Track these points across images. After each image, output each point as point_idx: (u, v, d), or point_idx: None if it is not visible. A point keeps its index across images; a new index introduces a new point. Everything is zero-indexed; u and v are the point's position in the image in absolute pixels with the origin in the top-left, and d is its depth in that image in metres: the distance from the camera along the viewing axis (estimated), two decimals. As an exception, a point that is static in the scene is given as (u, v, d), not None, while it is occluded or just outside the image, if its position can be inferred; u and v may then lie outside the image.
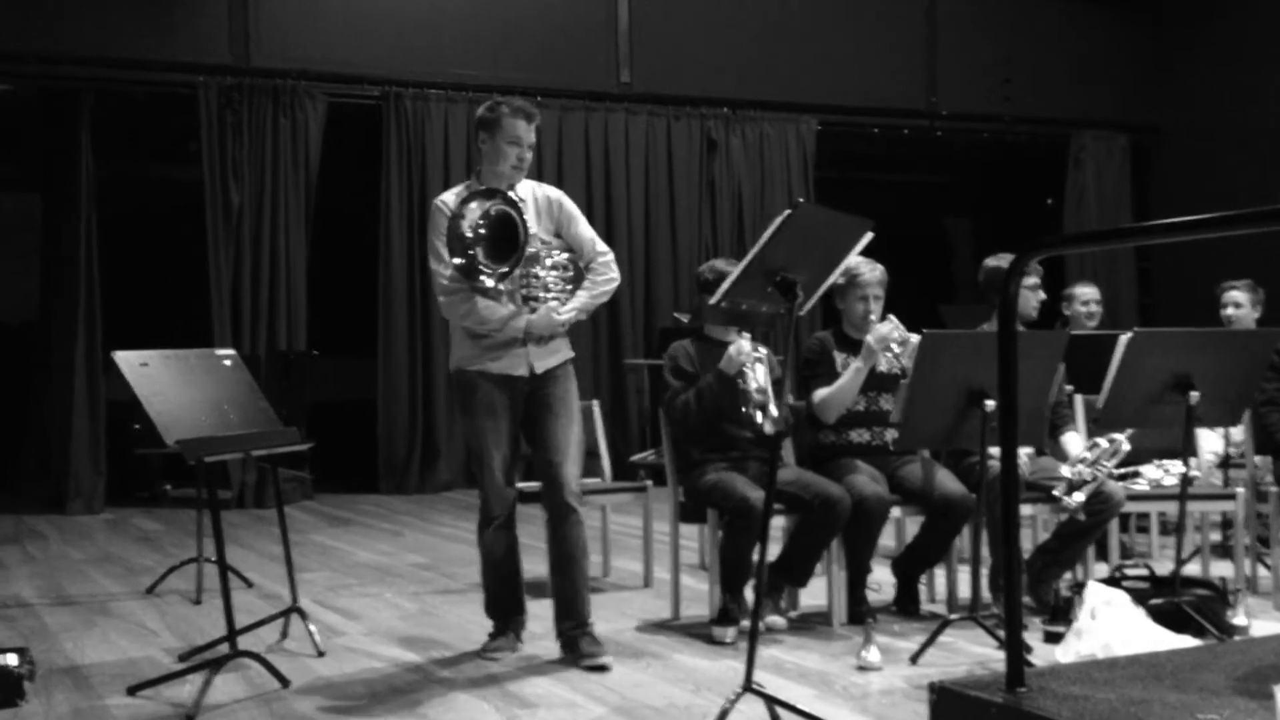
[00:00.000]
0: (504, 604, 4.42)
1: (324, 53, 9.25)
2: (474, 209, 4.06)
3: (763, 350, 4.72)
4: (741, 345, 4.60)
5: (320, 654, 4.41)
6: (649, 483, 5.70)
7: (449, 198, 4.28)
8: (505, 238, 4.07)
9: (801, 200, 3.89)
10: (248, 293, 8.99)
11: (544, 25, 9.70)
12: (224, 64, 8.99)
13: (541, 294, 4.26)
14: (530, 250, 4.18)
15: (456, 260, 4.05)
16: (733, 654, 4.31)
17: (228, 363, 4.39)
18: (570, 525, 4.27)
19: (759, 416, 4.50)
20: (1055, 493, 4.64)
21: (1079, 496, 4.59)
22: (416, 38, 9.52)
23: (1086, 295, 6.94)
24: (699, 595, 5.01)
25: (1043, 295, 5.21)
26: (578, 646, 4.25)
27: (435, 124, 9.56)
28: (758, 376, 4.56)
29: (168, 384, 4.08)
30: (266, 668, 4.02)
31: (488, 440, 4.26)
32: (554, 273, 4.30)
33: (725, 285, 3.69)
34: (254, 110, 9.05)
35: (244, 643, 4.13)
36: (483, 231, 4.04)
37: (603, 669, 4.13)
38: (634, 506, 5.99)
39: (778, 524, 4.75)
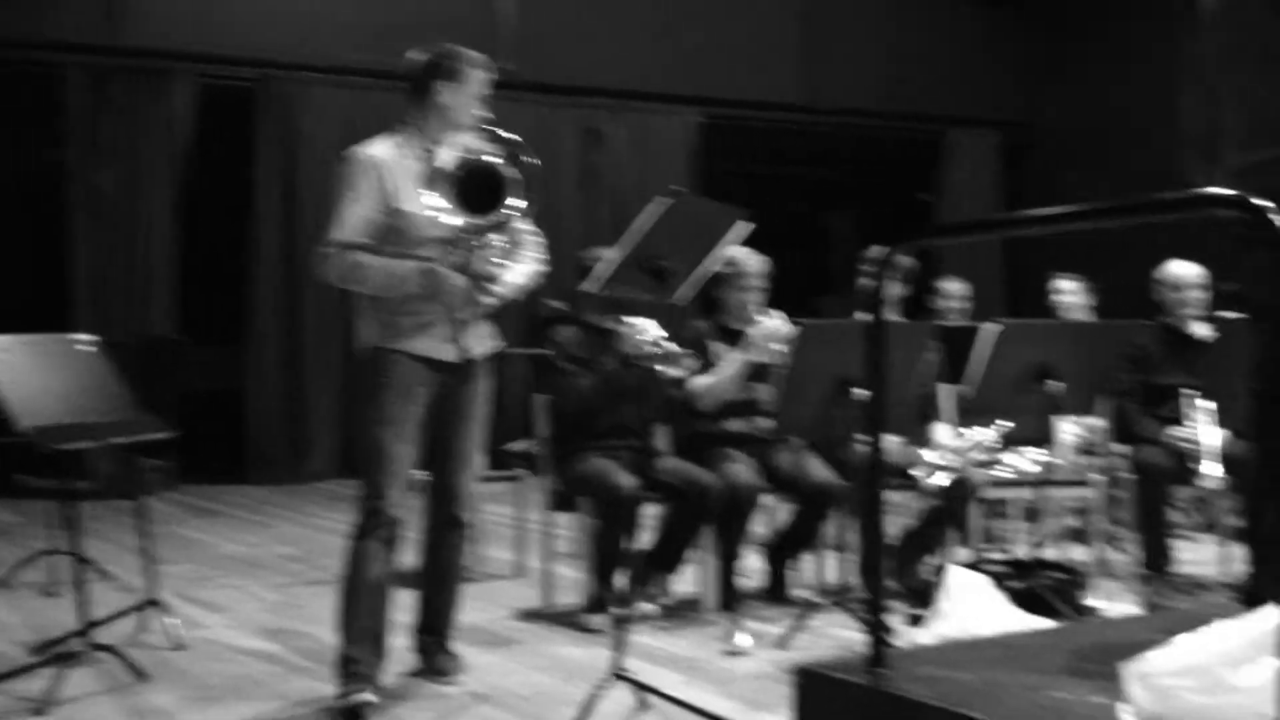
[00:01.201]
0: (367, 637, 3.63)
1: (196, 33, 9.01)
2: (451, 153, 3.56)
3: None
4: (639, 324, 4.57)
5: (179, 647, 4.30)
6: (523, 471, 5.67)
7: (377, 151, 3.66)
8: (481, 192, 3.55)
9: (678, 189, 3.87)
10: (114, 278, 8.73)
11: (425, 9, 9.57)
12: (92, 43, 8.70)
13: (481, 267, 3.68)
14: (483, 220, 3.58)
15: (435, 199, 3.48)
16: (603, 642, 4.31)
17: (87, 349, 4.25)
18: (456, 538, 3.88)
19: (674, 370, 4.35)
20: (918, 475, 4.74)
21: (940, 479, 4.69)
22: (292, 20, 9.34)
23: (955, 290, 7.10)
24: (571, 584, 5.00)
25: (902, 289, 5.32)
26: (435, 661, 3.92)
27: (310, 108, 9.39)
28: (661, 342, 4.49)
29: (22, 370, 3.93)
30: (122, 661, 3.90)
31: (392, 434, 3.61)
32: (495, 246, 3.67)
33: (603, 273, 3.68)
34: (123, 91, 8.78)
35: (101, 637, 4.00)
36: (460, 175, 3.52)
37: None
38: (508, 496, 5.96)
39: (651, 512, 4.76)
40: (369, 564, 3.60)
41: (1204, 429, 4.96)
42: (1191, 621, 2.18)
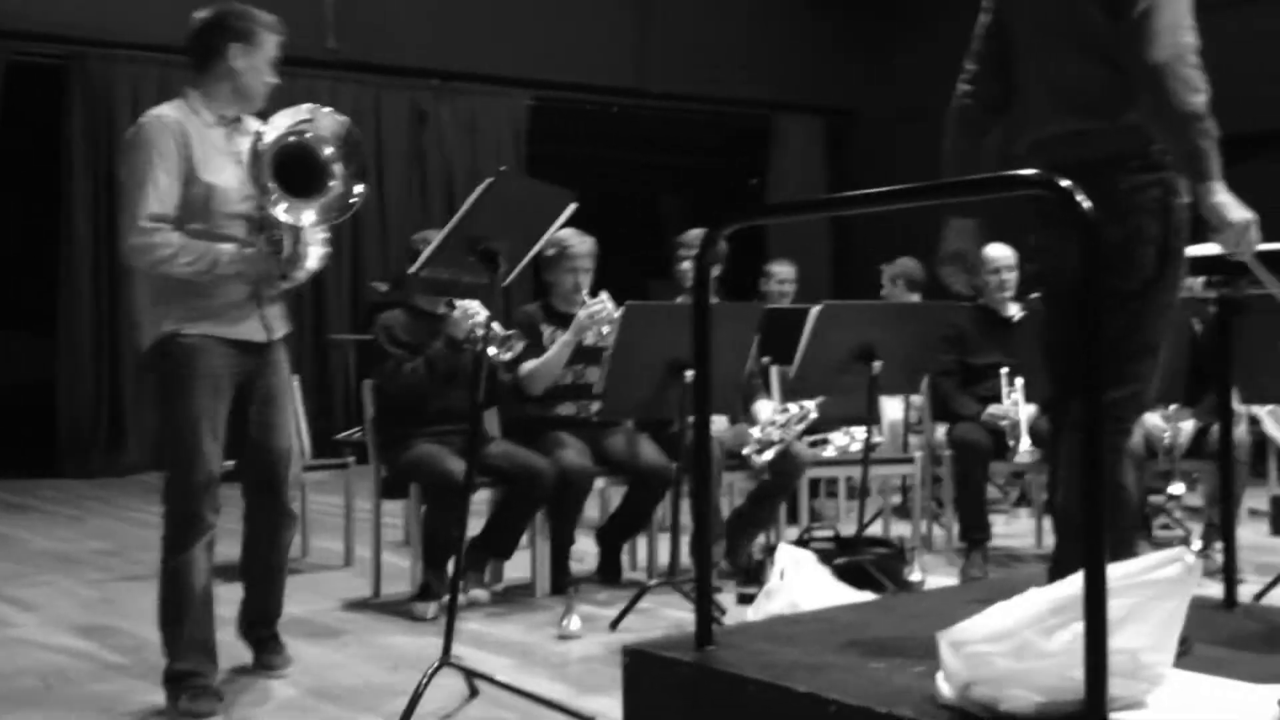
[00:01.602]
0: (198, 648, 3.44)
1: (2, 8, 8.56)
2: (275, 132, 3.31)
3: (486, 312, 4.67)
4: (468, 307, 4.52)
5: (-14, 648, 4.10)
6: (352, 459, 5.57)
7: (176, 115, 3.39)
8: (300, 172, 3.34)
9: (504, 168, 3.82)
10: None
11: (244, -14, 9.28)
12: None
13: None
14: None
15: (263, 187, 3.29)
16: (434, 630, 4.24)
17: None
18: (285, 532, 3.68)
19: (502, 353, 4.30)
20: (744, 452, 4.81)
21: (767, 456, 4.77)
22: (104, -6, 8.95)
23: (783, 273, 7.24)
24: (401, 572, 4.93)
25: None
26: (264, 656, 3.75)
27: (123, 87, 9.02)
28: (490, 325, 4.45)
29: None
30: (-78, 665, 3.70)
31: (205, 430, 3.36)
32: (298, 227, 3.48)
33: (425, 254, 3.61)
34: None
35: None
36: (279, 154, 3.31)
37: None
38: (335, 484, 5.84)
39: (482, 497, 4.72)
40: (192, 577, 3.40)
41: (1017, 406, 5.15)
42: (1004, 591, 2.25)
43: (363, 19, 9.81)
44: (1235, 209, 2.69)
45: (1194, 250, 2.84)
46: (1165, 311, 2.84)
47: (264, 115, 3.49)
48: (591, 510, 5.36)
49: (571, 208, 3.74)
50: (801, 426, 4.93)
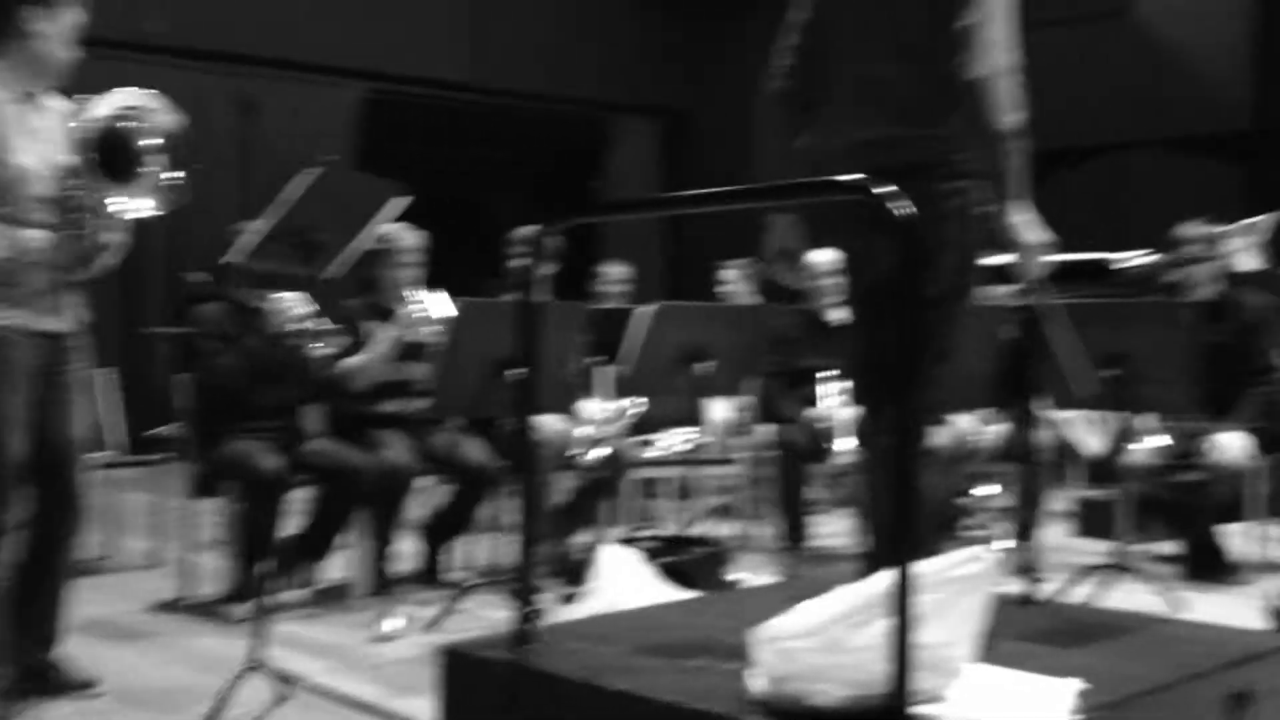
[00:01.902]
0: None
1: None
2: (101, 111, 3.19)
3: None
4: (286, 300, 4.40)
5: None
6: (165, 455, 5.37)
7: None
8: (116, 158, 3.22)
9: (330, 159, 3.73)
10: None
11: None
12: None
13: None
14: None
15: (81, 169, 3.13)
16: (246, 632, 4.12)
17: None
18: (71, 529, 3.43)
19: (323, 347, 4.20)
20: (570, 450, 4.81)
21: (595, 454, 4.78)
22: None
23: (616, 273, 7.25)
24: (213, 573, 4.77)
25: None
26: (51, 679, 3.44)
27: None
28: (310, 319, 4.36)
29: None
30: None
31: (9, 430, 3.21)
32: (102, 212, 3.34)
33: (249, 245, 3.51)
34: None
35: None
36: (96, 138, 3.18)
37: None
38: (146, 481, 5.63)
39: (301, 496, 4.60)
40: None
41: (839, 409, 5.26)
42: (818, 589, 2.29)
43: (189, 3, 9.50)
44: (1034, 229, 2.78)
45: (1003, 259, 2.93)
46: (962, 319, 2.93)
47: (68, 94, 3.33)
48: (415, 509, 5.27)
49: (401, 202, 3.67)
50: (625, 423, 4.95)
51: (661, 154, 12.35)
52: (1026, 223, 2.76)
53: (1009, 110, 2.72)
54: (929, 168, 2.74)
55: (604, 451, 4.84)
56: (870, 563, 2.76)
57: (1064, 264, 2.81)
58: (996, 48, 2.74)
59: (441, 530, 5.03)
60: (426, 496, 5.30)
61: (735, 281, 6.97)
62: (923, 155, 2.78)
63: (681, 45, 12.15)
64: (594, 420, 4.95)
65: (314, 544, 4.66)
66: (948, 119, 2.81)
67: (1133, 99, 8.80)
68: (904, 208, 2.05)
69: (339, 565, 4.79)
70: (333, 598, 4.64)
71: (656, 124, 12.29)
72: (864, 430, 3.14)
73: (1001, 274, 3.07)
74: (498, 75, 11.14)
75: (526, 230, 5.17)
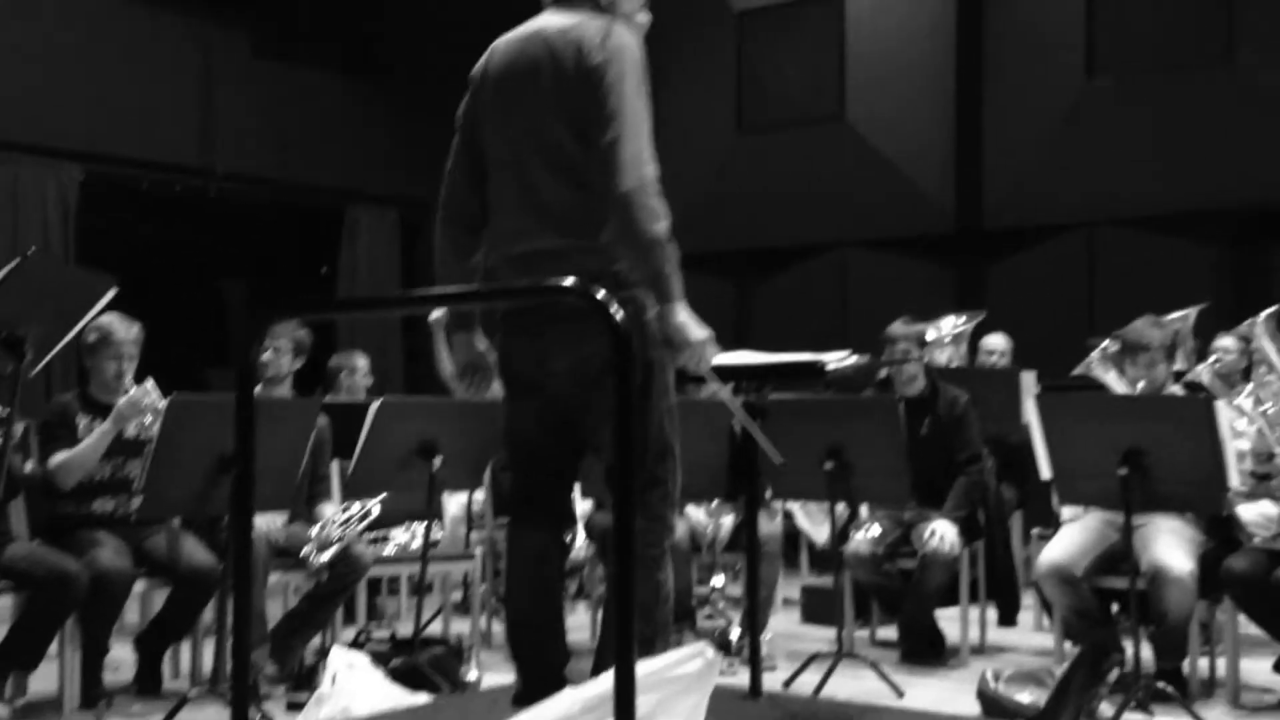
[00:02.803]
0: None
1: None
2: None
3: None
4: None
5: None
6: None
7: None
8: None
9: (35, 249, 3.56)
10: None
11: None
12: None
13: None
14: None
15: None
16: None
17: None
18: None
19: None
20: (302, 553, 4.67)
21: (325, 556, 4.65)
22: None
23: (356, 365, 7.12)
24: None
25: (289, 362, 5.26)
26: None
27: None
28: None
29: None
30: None
31: None
32: None
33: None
34: None
35: None
36: None
37: None
38: None
39: (3, 604, 4.30)
40: None
41: (577, 501, 5.30)
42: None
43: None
44: (694, 328, 2.95)
45: (720, 359, 3.06)
46: (668, 415, 3.06)
47: None
48: (131, 614, 5.00)
49: (110, 293, 3.53)
50: (362, 525, 4.85)
51: (400, 242, 12.27)
52: (688, 323, 2.93)
53: (657, 219, 2.89)
54: (595, 278, 2.85)
55: (337, 553, 4.71)
56: (599, 659, 2.79)
57: (780, 365, 2.95)
58: (640, 161, 2.92)
59: (159, 636, 4.79)
60: (143, 601, 5.04)
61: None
62: (589, 266, 2.92)
63: (423, 133, 12.16)
64: (330, 521, 4.82)
65: (20, 655, 4.35)
66: (601, 231, 2.97)
67: (849, 201, 9.31)
68: (618, 311, 2.11)
69: (47, 676, 4.48)
70: (41, 712, 4.36)
71: (394, 212, 12.22)
72: (591, 524, 3.23)
73: (725, 373, 3.19)
74: (228, 159, 10.88)
75: (250, 321, 5.04)
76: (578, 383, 3.05)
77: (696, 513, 5.48)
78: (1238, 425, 4.33)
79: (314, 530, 4.80)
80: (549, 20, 3.16)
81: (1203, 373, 4.70)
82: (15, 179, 9.77)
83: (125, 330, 4.65)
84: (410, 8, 11.54)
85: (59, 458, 4.51)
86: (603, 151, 2.92)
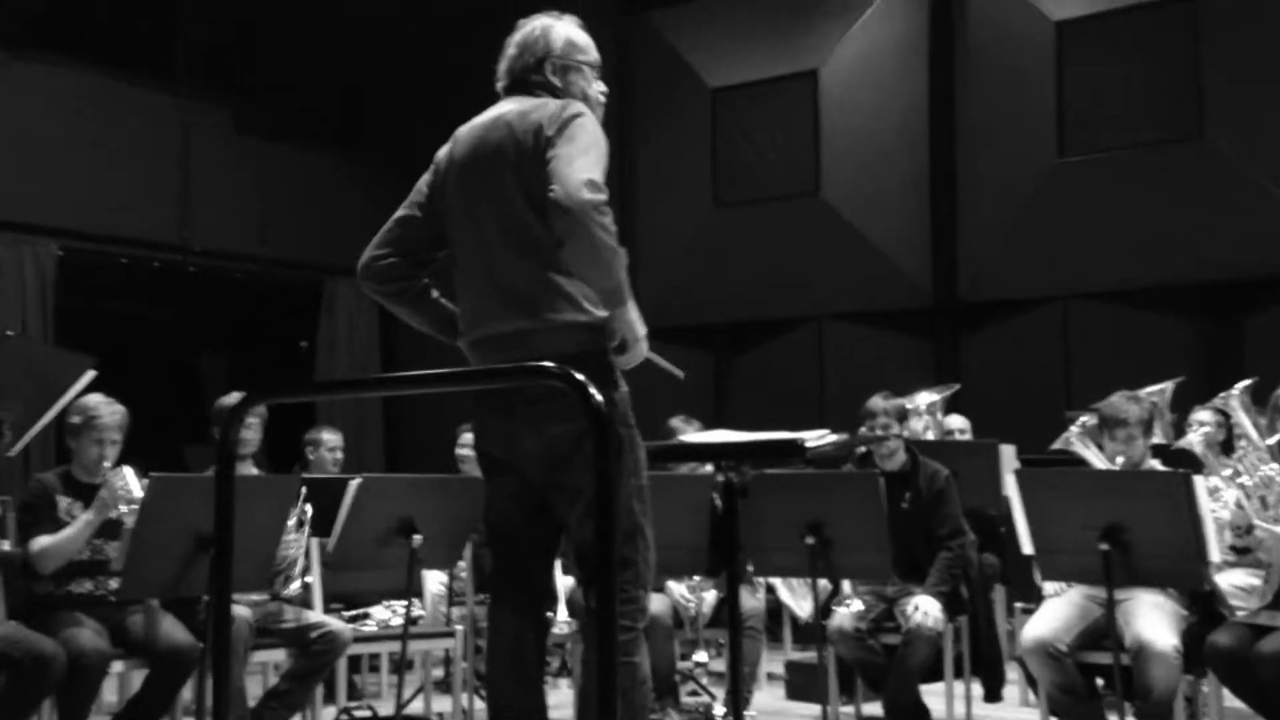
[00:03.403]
0: None
1: None
2: None
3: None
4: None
5: None
6: None
7: None
8: None
9: (12, 333, 3.56)
10: None
11: None
12: None
13: None
14: None
15: None
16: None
17: None
18: None
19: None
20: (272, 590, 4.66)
21: (293, 587, 4.65)
22: None
23: (331, 441, 7.10)
24: None
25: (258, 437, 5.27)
26: None
27: None
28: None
29: None
30: None
31: None
32: None
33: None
34: None
35: None
36: None
37: None
38: None
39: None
40: None
41: (558, 578, 5.27)
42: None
43: None
44: (641, 325, 3.05)
45: (700, 437, 3.08)
46: (637, 494, 3.08)
47: None
48: (110, 694, 4.93)
49: (89, 375, 3.53)
50: (348, 613, 4.83)
51: (379, 317, 12.28)
52: (635, 320, 3.04)
53: (610, 229, 2.95)
54: (565, 359, 2.88)
55: (322, 631, 4.68)
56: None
57: (759, 443, 2.97)
58: (590, 175, 3.01)
59: (138, 717, 4.72)
60: (121, 681, 4.98)
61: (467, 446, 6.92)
62: (558, 347, 2.97)
63: (393, 208, 12.21)
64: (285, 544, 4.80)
65: (-8, 739, 4.29)
66: (564, 310, 3.01)
67: (826, 275, 9.38)
68: (597, 394, 2.12)
69: (18, 763, 4.41)
70: (9, 800, 4.26)
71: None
72: (573, 602, 3.23)
73: (707, 451, 3.21)
74: (205, 236, 10.91)
75: (227, 400, 5.04)
76: (547, 462, 3.08)
77: (678, 588, 5.46)
78: (1224, 497, 4.34)
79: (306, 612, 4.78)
80: (510, 106, 3.27)
81: (1195, 444, 4.72)
82: (-7, 256, 9.77)
83: (110, 414, 4.62)
84: (388, 84, 11.65)
85: (40, 543, 4.48)
86: (549, 174, 2.98)
